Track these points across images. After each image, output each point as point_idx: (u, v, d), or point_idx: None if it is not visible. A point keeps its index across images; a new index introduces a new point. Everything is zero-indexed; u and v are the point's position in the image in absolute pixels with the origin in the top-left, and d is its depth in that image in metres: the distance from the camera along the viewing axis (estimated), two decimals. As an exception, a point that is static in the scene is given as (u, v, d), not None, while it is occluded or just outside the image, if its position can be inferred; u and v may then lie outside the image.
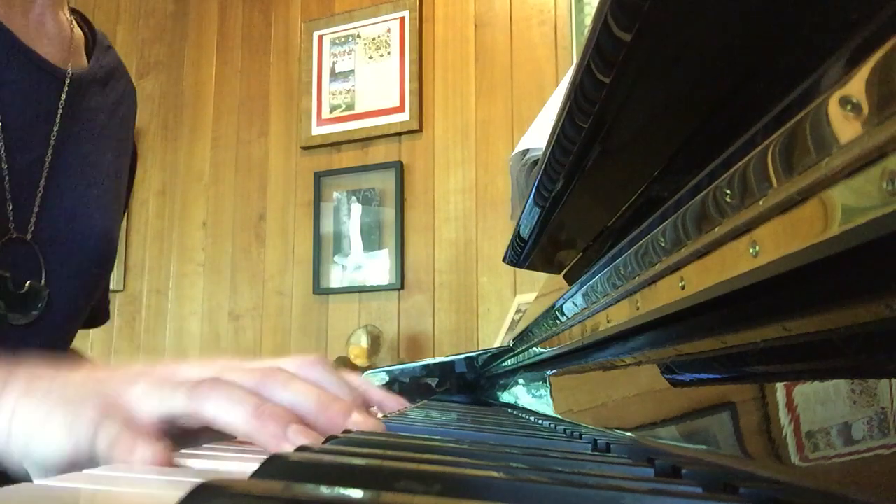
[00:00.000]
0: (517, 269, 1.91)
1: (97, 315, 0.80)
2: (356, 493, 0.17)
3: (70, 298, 0.67)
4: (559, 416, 0.58)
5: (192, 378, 0.37)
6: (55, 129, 0.65)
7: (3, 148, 0.60)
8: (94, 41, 0.73)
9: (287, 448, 0.33)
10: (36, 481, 0.21)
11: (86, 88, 0.69)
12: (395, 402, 0.64)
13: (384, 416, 0.62)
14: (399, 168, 2.29)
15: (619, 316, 0.40)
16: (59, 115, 0.65)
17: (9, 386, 0.38)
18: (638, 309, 0.36)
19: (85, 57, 0.71)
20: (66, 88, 0.66)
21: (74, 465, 0.34)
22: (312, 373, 0.41)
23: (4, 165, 0.60)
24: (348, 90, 2.40)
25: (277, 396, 0.37)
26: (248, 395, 0.35)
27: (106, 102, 0.72)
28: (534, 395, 0.77)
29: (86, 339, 2.54)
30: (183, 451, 0.33)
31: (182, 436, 0.37)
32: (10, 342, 0.61)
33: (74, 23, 0.72)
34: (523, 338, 0.87)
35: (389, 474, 0.19)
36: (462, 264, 2.18)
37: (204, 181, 2.61)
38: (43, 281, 0.63)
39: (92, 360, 0.78)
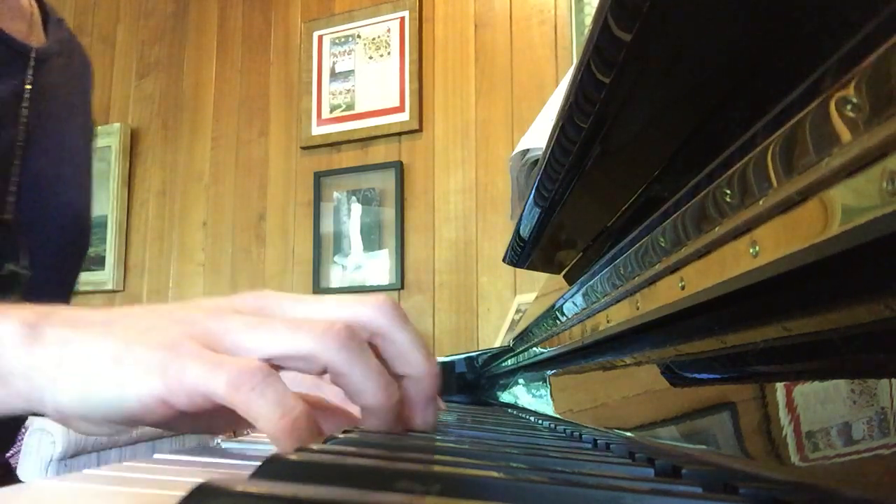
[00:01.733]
0: (517, 269, 1.91)
1: None
2: (356, 493, 0.17)
3: (50, 281, 0.65)
4: (559, 416, 0.58)
5: (305, 317, 0.33)
6: (24, 107, 0.63)
7: None
8: (45, 14, 0.71)
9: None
10: (37, 481, 0.21)
11: (48, 63, 0.67)
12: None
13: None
14: (399, 168, 2.29)
15: (619, 316, 0.40)
16: (27, 93, 0.63)
17: (49, 321, 0.32)
18: (638, 309, 0.36)
19: (43, 31, 0.70)
20: (31, 65, 0.64)
21: (158, 412, 0.29)
22: (399, 334, 0.35)
23: None
24: (348, 90, 2.40)
25: (394, 335, 0.34)
26: (380, 366, 0.32)
27: (67, 77, 0.71)
28: (534, 395, 0.77)
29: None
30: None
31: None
32: None
33: None
34: (523, 338, 0.87)
35: (389, 474, 0.19)
36: (462, 264, 2.18)
37: (204, 181, 2.61)
38: (26, 263, 0.61)
39: None
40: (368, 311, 0.34)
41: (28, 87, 0.63)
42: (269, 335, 0.31)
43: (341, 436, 0.32)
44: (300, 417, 0.28)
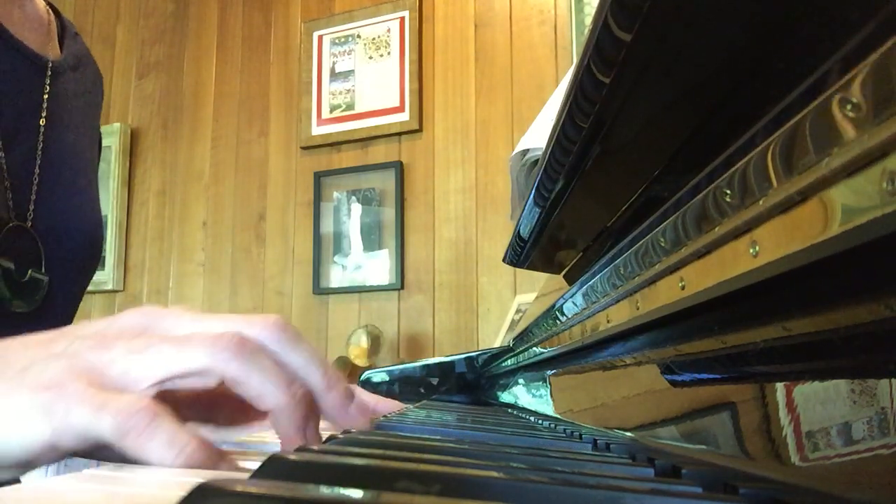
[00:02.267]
0: (517, 269, 1.91)
1: None
2: (356, 493, 0.17)
3: (68, 286, 0.67)
4: (559, 416, 0.58)
5: (191, 333, 0.32)
6: (43, 117, 0.64)
7: None
8: (62, 28, 0.73)
9: (299, 444, 0.30)
10: (36, 481, 0.21)
11: (63, 75, 0.69)
12: (389, 405, 0.63)
13: (384, 417, 0.62)
14: (399, 168, 2.29)
15: (619, 316, 0.40)
16: (45, 103, 0.65)
17: None
18: (638, 309, 0.36)
19: (58, 43, 0.71)
20: (48, 75, 0.66)
21: (50, 458, 0.28)
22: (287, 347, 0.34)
23: (2, 154, 0.60)
24: (348, 90, 2.40)
25: (288, 357, 0.33)
26: (277, 366, 0.31)
27: (80, 89, 0.72)
28: (534, 395, 0.77)
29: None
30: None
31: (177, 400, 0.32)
32: (11, 331, 0.61)
33: (49, 8, 0.72)
34: (523, 338, 0.87)
35: (389, 474, 0.19)
36: (462, 264, 2.18)
37: (204, 181, 2.61)
38: (43, 269, 0.63)
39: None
40: (255, 331, 0.32)
41: (45, 98, 0.65)
42: (155, 358, 0.30)
43: (341, 436, 0.32)
44: (195, 452, 0.27)
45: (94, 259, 0.72)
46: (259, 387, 0.30)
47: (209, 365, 0.30)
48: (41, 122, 0.64)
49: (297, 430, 0.31)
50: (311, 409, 0.32)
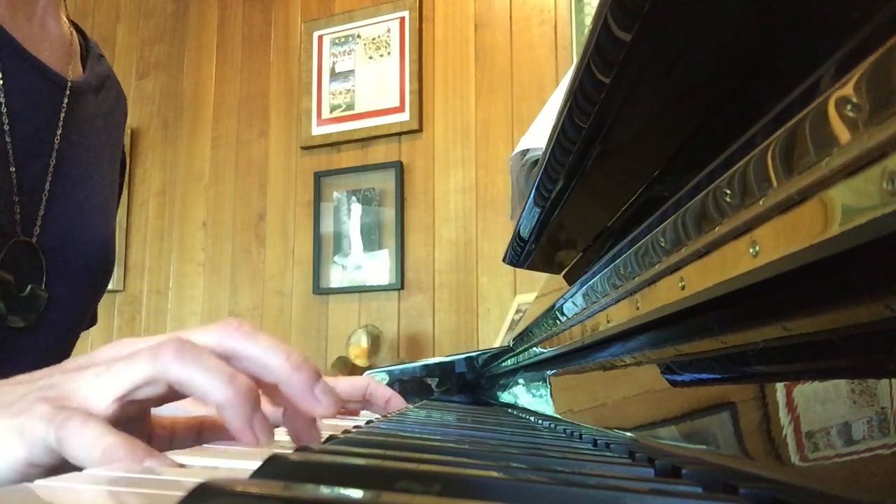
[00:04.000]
0: (517, 269, 1.91)
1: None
2: (356, 493, 0.17)
3: (69, 304, 0.67)
4: (559, 416, 0.58)
5: (141, 348, 0.33)
6: (58, 136, 0.65)
7: (11, 154, 0.61)
8: (87, 49, 0.74)
9: (248, 436, 0.31)
10: (37, 481, 0.21)
11: (84, 95, 0.69)
12: (400, 402, 0.64)
13: (385, 416, 0.62)
14: (399, 168, 2.29)
15: (619, 316, 0.40)
16: (61, 122, 0.66)
17: None
18: (638, 309, 0.36)
19: (80, 64, 0.72)
20: (67, 94, 0.66)
21: (32, 472, 0.31)
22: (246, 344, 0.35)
23: (13, 169, 0.61)
24: (348, 90, 2.40)
25: (246, 352, 0.34)
26: (217, 358, 0.32)
27: (101, 110, 0.73)
28: (534, 395, 0.77)
29: (86, 340, 2.53)
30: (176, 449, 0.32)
31: (140, 417, 0.35)
32: (7, 345, 0.61)
33: (73, 28, 0.72)
34: (523, 338, 0.87)
35: (389, 474, 0.19)
36: (462, 264, 2.18)
37: (204, 181, 2.61)
38: (44, 285, 0.63)
39: None
40: (213, 336, 0.34)
41: (62, 117, 0.65)
42: (110, 378, 0.32)
43: (341, 436, 0.32)
44: (111, 447, 0.29)
45: (101, 277, 0.72)
46: (202, 384, 0.31)
47: (152, 372, 0.31)
48: (56, 141, 0.65)
49: (244, 421, 0.31)
50: (257, 400, 0.32)
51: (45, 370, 0.36)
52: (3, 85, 0.61)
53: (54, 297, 0.64)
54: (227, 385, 0.31)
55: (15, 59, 0.62)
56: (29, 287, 0.62)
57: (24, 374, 0.36)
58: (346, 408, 0.67)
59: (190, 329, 0.35)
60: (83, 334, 0.74)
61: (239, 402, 0.31)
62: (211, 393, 0.31)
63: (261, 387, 0.34)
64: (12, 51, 0.62)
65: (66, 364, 0.36)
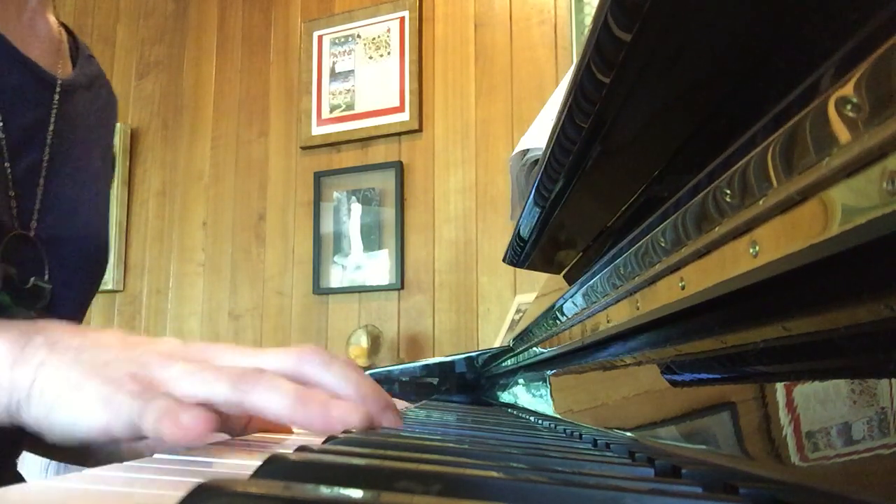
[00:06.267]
0: (517, 269, 1.91)
1: None
2: (356, 493, 0.17)
3: (70, 296, 0.68)
4: (559, 416, 0.58)
5: (230, 365, 0.36)
6: (50, 132, 0.66)
7: (5, 149, 0.62)
8: (77, 49, 0.75)
9: (337, 428, 0.34)
10: (37, 481, 0.21)
11: (74, 93, 0.71)
12: (401, 406, 0.65)
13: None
14: (399, 168, 2.29)
15: (619, 316, 0.40)
16: (53, 118, 0.67)
17: (33, 342, 0.36)
18: (638, 309, 0.36)
19: (70, 63, 0.73)
20: (57, 91, 0.67)
21: (102, 439, 0.33)
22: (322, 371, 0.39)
23: (7, 164, 0.62)
24: (348, 90, 2.40)
25: (319, 378, 0.37)
26: (291, 384, 0.35)
27: (93, 108, 0.74)
28: (534, 395, 0.77)
29: (86, 339, 2.53)
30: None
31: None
32: None
33: (62, 28, 0.73)
34: (523, 338, 0.87)
35: (389, 474, 0.19)
36: (462, 264, 2.18)
37: (204, 181, 2.61)
38: (46, 278, 0.64)
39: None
40: (291, 361, 0.38)
41: (54, 114, 0.67)
42: (193, 384, 0.35)
43: (341, 436, 0.32)
44: (184, 429, 0.31)
45: (98, 268, 0.74)
46: (259, 401, 0.34)
47: (231, 398, 0.34)
48: (48, 137, 0.66)
49: (320, 419, 0.34)
50: (328, 401, 0.35)
51: (136, 339, 0.38)
52: None
53: (57, 289, 0.65)
54: (295, 401, 0.34)
55: (6, 58, 0.63)
56: (31, 279, 0.63)
57: (110, 329, 0.39)
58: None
59: (270, 350, 0.38)
60: None
61: (306, 408, 0.34)
62: (280, 414, 0.34)
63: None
64: (2, 49, 0.62)
65: (159, 343, 0.38)
